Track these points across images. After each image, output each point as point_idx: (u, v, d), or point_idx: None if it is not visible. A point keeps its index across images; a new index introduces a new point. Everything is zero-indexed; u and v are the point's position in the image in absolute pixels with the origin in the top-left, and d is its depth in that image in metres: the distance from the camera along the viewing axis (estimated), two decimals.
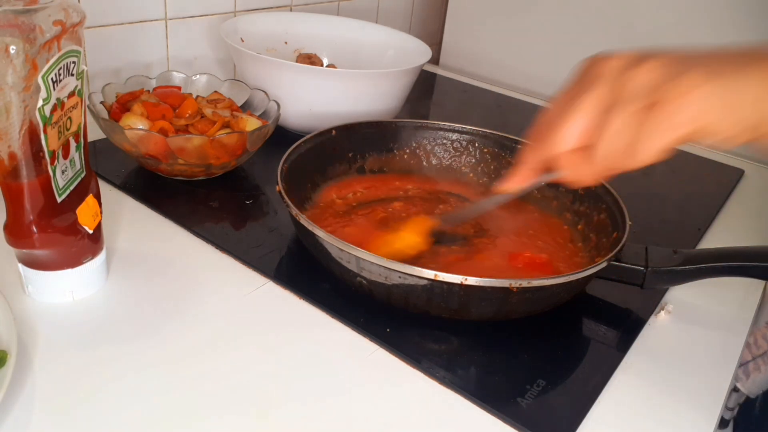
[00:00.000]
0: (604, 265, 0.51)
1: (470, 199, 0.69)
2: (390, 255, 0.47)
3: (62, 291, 0.49)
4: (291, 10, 1.03)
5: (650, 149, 0.35)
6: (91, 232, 0.49)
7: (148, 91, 0.72)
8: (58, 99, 0.43)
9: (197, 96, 0.73)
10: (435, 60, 1.29)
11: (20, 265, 0.49)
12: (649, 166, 0.37)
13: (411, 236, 0.55)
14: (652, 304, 0.58)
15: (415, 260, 0.54)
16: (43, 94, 0.41)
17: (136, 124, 0.64)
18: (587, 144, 0.38)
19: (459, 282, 0.46)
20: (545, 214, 0.67)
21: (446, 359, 0.49)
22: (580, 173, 0.39)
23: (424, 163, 0.74)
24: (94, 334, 0.47)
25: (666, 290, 0.60)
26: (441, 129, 0.74)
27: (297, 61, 0.91)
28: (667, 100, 0.34)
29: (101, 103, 0.68)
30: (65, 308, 0.49)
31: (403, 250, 0.54)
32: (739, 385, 0.66)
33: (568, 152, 0.39)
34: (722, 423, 0.71)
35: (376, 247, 0.54)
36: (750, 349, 0.65)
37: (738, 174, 0.91)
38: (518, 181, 0.43)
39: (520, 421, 0.44)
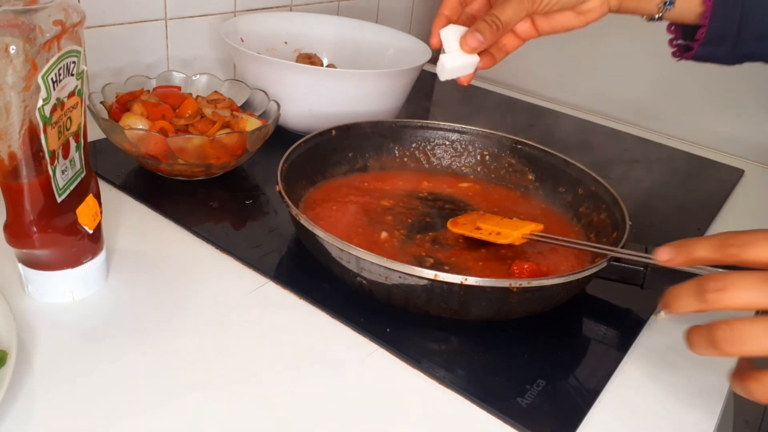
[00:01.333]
0: (604, 265, 0.51)
1: (469, 202, 0.69)
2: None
3: (62, 291, 0.50)
4: (291, 10, 1.03)
5: None
6: (91, 232, 0.49)
7: (148, 91, 0.72)
8: (58, 99, 0.43)
9: (197, 96, 0.73)
10: (435, 60, 1.29)
11: (20, 265, 0.49)
12: None
13: (513, 229, 0.56)
14: (652, 304, 0.58)
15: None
16: (43, 94, 0.41)
17: (136, 124, 0.64)
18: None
19: (459, 282, 0.46)
20: (546, 213, 0.67)
21: (446, 359, 0.49)
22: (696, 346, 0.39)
23: (424, 163, 0.74)
24: (94, 334, 0.47)
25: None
26: (441, 129, 0.74)
27: (297, 61, 0.91)
28: None
29: (101, 103, 0.69)
30: (65, 308, 0.49)
31: (500, 236, 0.56)
32: None
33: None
34: None
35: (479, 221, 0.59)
36: None
37: (738, 174, 0.91)
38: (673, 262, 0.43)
39: (520, 421, 0.44)
